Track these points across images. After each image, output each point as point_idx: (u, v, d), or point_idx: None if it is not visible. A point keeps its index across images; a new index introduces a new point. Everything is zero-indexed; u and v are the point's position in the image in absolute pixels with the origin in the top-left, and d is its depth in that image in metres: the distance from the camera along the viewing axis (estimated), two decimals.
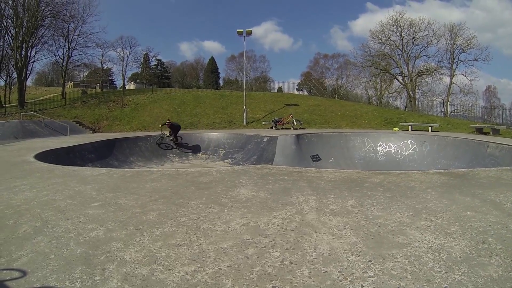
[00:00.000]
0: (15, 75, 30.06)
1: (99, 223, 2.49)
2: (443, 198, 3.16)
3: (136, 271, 1.68)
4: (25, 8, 29.10)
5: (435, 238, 2.09)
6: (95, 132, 23.43)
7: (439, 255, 1.84)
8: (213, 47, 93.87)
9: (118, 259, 1.83)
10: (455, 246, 1.96)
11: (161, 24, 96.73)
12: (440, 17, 63.38)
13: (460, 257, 1.81)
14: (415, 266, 1.70)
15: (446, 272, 1.64)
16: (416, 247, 1.95)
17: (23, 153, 8.37)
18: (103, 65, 52.55)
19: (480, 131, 18.16)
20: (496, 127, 17.70)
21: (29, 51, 30.82)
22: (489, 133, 17.31)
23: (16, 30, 29.25)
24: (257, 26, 76.26)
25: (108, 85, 60.84)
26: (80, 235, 2.23)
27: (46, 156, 8.37)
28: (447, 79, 45.24)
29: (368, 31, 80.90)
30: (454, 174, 4.52)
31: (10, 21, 29.18)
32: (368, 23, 76.11)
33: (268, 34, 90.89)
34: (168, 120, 16.41)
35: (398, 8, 65.05)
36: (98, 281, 1.60)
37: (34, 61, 32.53)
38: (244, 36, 27.56)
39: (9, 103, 31.67)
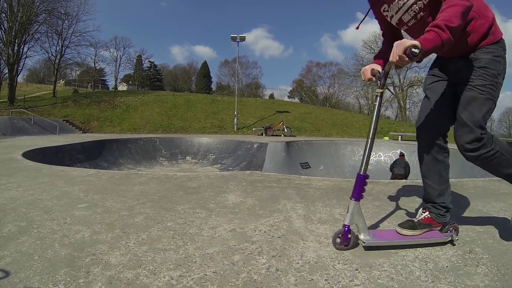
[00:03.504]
0: (6, 71, 29.71)
1: (85, 225, 2.45)
2: None
3: (121, 275, 1.66)
4: (20, 3, 28.87)
5: (422, 247, 2.10)
6: (85, 132, 23.32)
7: (426, 264, 1.84)
8: (204, 51, 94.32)
9: (103, 262, 1.81)
10: (442, 256, 1.97)
11: (153, 27, 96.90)
12: None
13: (446, 266, 1.82)
14: (401, 275, 1.71)
15: (433, 281, 1.64)
16: (403, 256, 1.96)
17: (10, 151, 8.27)
18: (95, 65, 52.48)
19: None
20: None
21: (22, 47, 30.65)
22: None
23: (10, 24, 29.02)
24: (248, 33, 77.15)
25: (100, 85, 60.60)
26: (65, 236, 2.20)
27: (34, 155, 8.30)
28: None
29: (358, 40, 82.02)
30: None
31: (4, 15, 28.97)
32: (358, 32, 77.16)
33: (258, 41, 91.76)
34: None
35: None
36: (82, 284, 1.57)
37: (26, 57, 32.39)
38: (238, 42, 27.74)
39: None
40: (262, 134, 23.64)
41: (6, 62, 29.46)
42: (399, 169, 12.10)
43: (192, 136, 18.86)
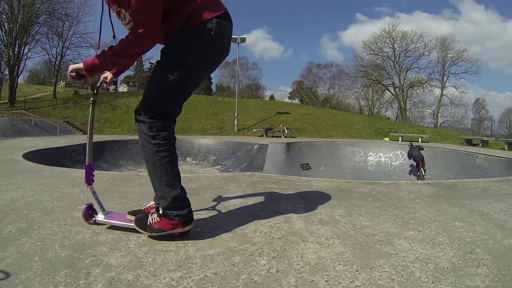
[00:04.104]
0: (7, 72, 29.74)
1: (86, 226, 2.45)
2: (431, 208, 3.17)
3: (121, 276, 1.66)
4: (20, 4, 28.90)
5: (422, 248, 2.10)
6: (85, 134, 23.23)
7: (427, 265, 1.84)
8: None
9: (104, 263, 1.81)
10: (443, 256, 1.97)
11: None
12: (429, 29, 64.59)
13: (447, 267, 1.82)
14: (402, 276, 1.70)
15: (433, 282, 1.64)
16: (404, 257, 1.96)
17: (11, 152, 8.28)
18: None
19: (469, 142, 18.40)
20: (485, 138, 17.97)
21: (22, 48, 30.63)
22: (478, 144, 17.55)
23: (10, 26, 29.04)
24: (247, 34, 76.86)
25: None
26: (65, 237, 2.20)
27: (34, 156, 8.30)
28: (437, 91, 46.08)
29: (357, 41, 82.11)
30: (443, 184, 4.55)
31: (4, 16, 28.98)
32: (358, 33, 77.47)
33: (258, 42, 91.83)
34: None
35: (387, 20, 65.82)
36: (82, 285, 1.57)
37: (26, 59, 32.38)
38: (238, 43, 27.70)
39: None
40: (262, 135, 23.62)
41: (6, 63, 29.50)
42: (417, 153, 14.00)
43: (193, 137, 18.84)
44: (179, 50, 2.00)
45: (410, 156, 14.32)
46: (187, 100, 2.34)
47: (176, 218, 2.11)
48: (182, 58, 2.00)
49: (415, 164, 14.30)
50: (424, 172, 13.74)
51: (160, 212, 2.15)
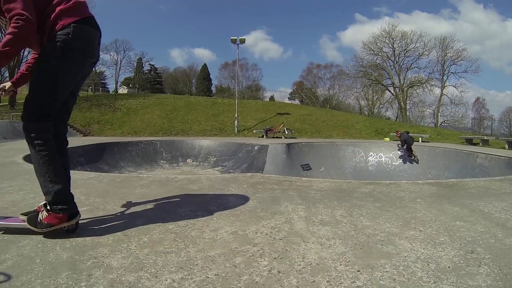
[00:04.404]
0: (7, 75, 29.77)
1: (87, 228, 2.45)
2: (432, 208, 3.18)
3: (123, 278, 1.66)
4: None
5: (424, 248, 2.10)
6: (86, 136, 23.28)
7: (428, 265, 1.84)
8: (204, 54, 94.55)
9: (105, 265, 1.81)
10: (444, 256, 1.97)
11: (153, 30, 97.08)
12: (428, 29, 64.54)
13: (448, 266, 1.82)
14: (403, 276, 1.70)
15: (435, 282, 1.64)
16: (405, 257, 1.96)
17: (11, 154, 8.26)
18: (96, 68, 52.38)
19: (470, 141, 18.39)
20: (485, 138, 17.94)
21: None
22: (479, 143, 17.52)
23: None
24: (247, 35, 76.97)
25: (101, 88, 60.45)
26: (66, 239, 2.20)
27: None
28: (437, 91, 46.02)
29: (357, 41, 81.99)
30: (444, 184, 4.55)
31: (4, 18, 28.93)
32: (357, 33, 77.39)
33: (258, 43, 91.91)
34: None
35: (386, 20, 65.60)
36: (83, 287, 1.57)
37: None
38: (238, 44, 27.69)
39: (0, 102, 31.24)
40: (263, 136, 23.59)
41: (6, 66, 29.54)
42: (407, 137, 14.68)
43: (193, 139, 18.84)
44: (45, 55, 2.19)
45: (403, 143, 14.77)
46: (74, 102, 2.61)
47: (61, 212, 2.24)
48: (48, 62, 2.19)
49: (406, 150, 14.82)
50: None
51: (48, 207, 2.26)
